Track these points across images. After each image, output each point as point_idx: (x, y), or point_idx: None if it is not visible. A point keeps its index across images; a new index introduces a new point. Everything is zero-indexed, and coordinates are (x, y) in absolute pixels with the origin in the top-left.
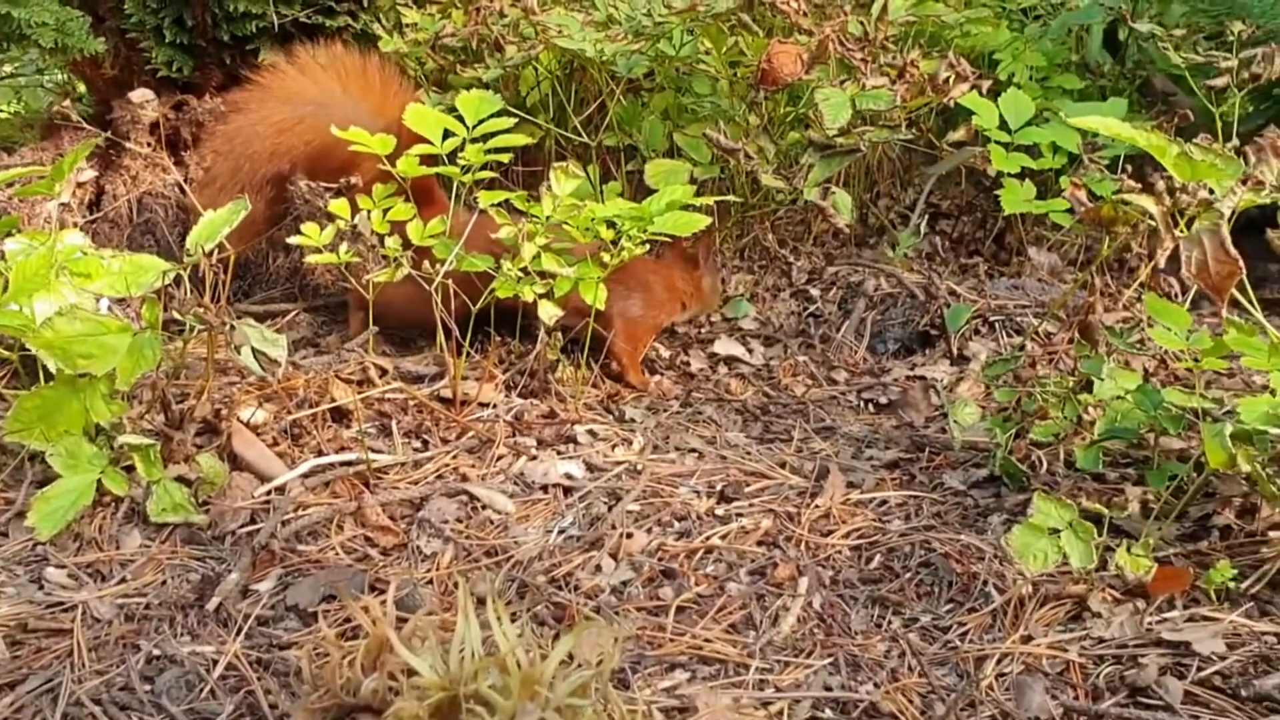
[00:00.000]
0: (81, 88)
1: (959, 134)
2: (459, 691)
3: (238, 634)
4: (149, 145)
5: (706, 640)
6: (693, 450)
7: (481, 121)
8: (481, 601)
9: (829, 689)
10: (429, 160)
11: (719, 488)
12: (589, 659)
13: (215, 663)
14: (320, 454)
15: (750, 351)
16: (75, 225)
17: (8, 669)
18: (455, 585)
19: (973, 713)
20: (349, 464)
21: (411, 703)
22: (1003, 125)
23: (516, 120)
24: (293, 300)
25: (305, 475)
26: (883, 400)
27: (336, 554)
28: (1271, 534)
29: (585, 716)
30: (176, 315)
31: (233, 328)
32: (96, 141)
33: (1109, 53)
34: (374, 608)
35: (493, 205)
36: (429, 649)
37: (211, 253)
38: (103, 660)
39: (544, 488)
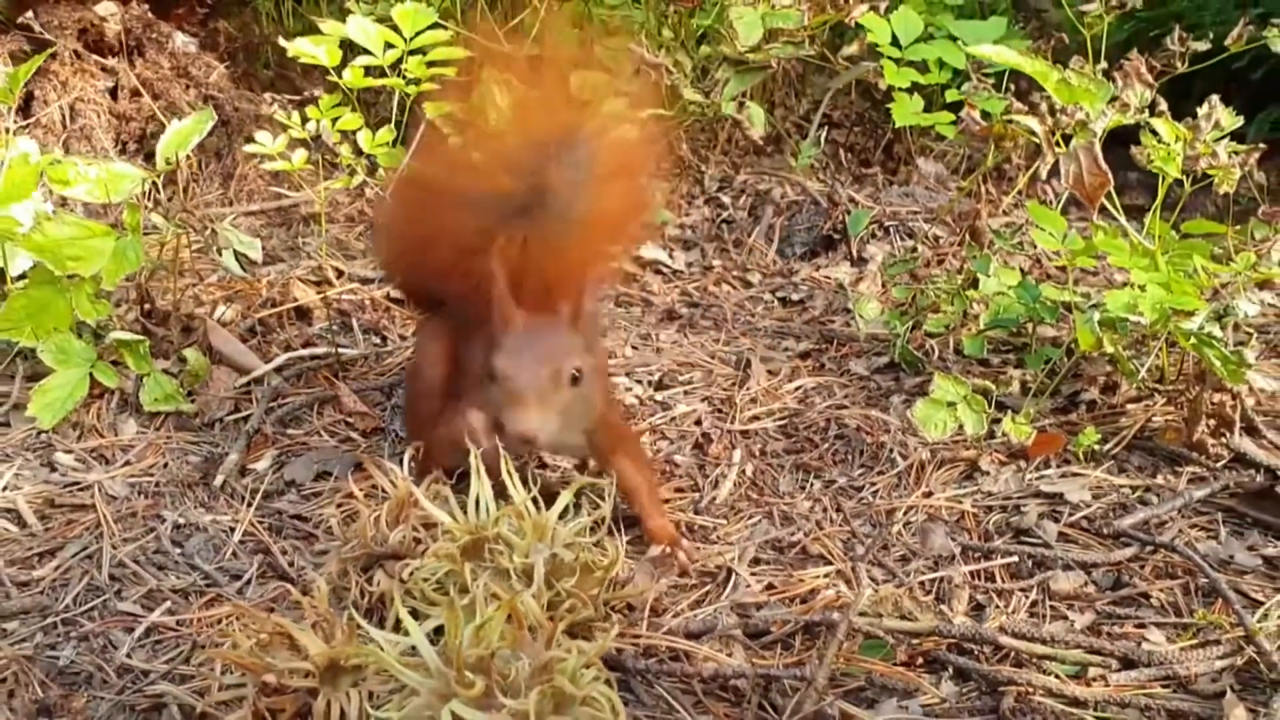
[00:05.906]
0: None
1: (852, 49)
2: (483, 535)
3: (247, 506)
4: (76, 54)
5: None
6: (629, 345)
7: (419, 34)
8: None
9: (767, 535)
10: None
11: (657, 377)
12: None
13: (233, 530)
14: (289, 349)
15: (671, 256)
16: (7, 131)
17: (44, 539)
18: None
19: (886, 553)
20: (317, 358)
21: (446, 544)
22: (894, 42)
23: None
24: (227, 206)
25: (279, 368)
26: (794, 298)
27: (321, 437)
28: (1129, 406)
29: (585, 552)
30: (154, 219)
31: (214, 231)
32: (51, 50)
33: None
34: (396, 471)
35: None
36: (445, 507)
37: (179, 162)
38: (130, 529)
39: None
